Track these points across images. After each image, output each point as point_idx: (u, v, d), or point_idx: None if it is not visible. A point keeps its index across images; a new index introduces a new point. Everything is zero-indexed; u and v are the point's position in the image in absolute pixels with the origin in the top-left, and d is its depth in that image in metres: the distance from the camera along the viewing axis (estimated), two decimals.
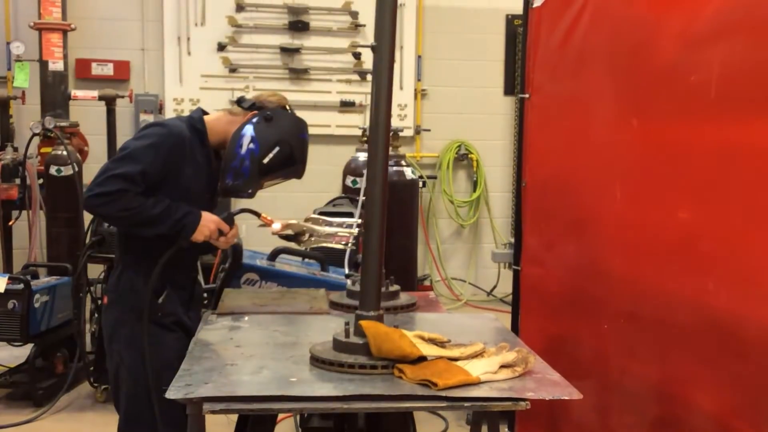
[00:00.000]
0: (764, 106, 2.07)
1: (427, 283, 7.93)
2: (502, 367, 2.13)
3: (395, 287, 3.05)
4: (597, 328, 3.01)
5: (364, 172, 2.59)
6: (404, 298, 3.06)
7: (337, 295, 3.08)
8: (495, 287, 8.13)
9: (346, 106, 7.83)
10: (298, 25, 7.76)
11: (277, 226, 3.00)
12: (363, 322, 2.20)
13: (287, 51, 7.78)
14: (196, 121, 2.85)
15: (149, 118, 7.19)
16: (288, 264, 3.79)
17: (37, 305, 4.77)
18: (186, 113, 3.19)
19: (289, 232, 3.09)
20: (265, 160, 2.80)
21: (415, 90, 8.05)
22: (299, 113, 2.95)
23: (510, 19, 8.04)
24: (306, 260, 3.90)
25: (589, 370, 3.01)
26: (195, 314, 2.97)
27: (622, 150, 2.84)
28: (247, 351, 2.36)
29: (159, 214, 2.67)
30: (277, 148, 2.81)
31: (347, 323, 2.24)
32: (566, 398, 2.02)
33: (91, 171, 3.60)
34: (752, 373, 2.13)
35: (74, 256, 5.24)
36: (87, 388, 5.00)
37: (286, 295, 3.18)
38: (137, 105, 7.42)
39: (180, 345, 2.67)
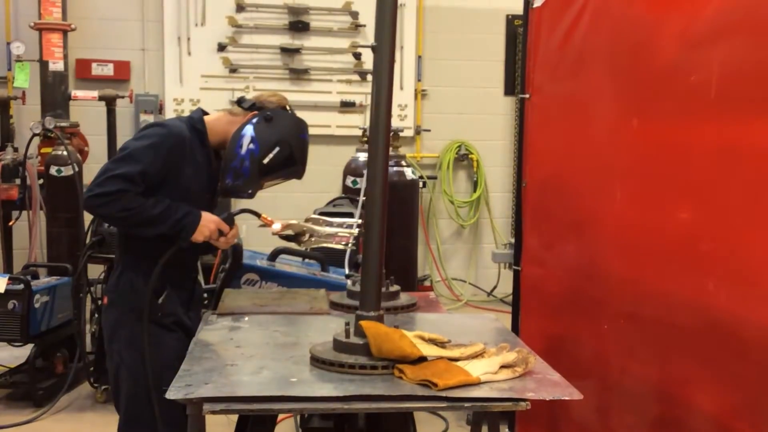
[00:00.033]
0: (764, 106, 2.07)
1: (427, 283, 7.93)
2: (503, 367, 2.13)
3: (395, 287, 3.05)
4: (597, 328, 3.01)
5: (365, 172, 2.59)
6: (404, 298, 3.06)
7: (337, 296, 3.08)
8: (495, 287, 8.13)
9: (347, 106, 7.83)
10: (299, 26, 7.76)
11: (277, 226, 3.00)
12: (363, 323, 2.20)
13: (287, 51, 7.78)
14: (196, 121, 2.85)
15: (149, 119, 7.19)
16: (288, 264, 3.79)
17: (37, 305, 4.77)
18: (186, 113, 3.20)
19: (290, 232, 3.09)
20: (265, 161, 2.80)
21: (416, 90, 8.05)
22: (299, 113, 2.95)
23: (510, 20, 8.04)
24: (306, 260, 3.90)
25: (590, 371, 3.01)
26: (195, 314, 2.97)
27: (623, 150, 2.84)
28: (248, 351, 2.36)
29: (159, 214, 2.67)
30: (277, 149, 2.81)
31: (347, 323, 2.24)
32: (566, 398, 2.02)
33: (91, 171, 3.60)
34: (752, 374, 2.13)
35: (74, 257, 5.25)
36: (87, 389, 5.00)
37: (287, 295, 3.18)
38: (137, 105, 7.42)
39: (180, 345, 2.67)
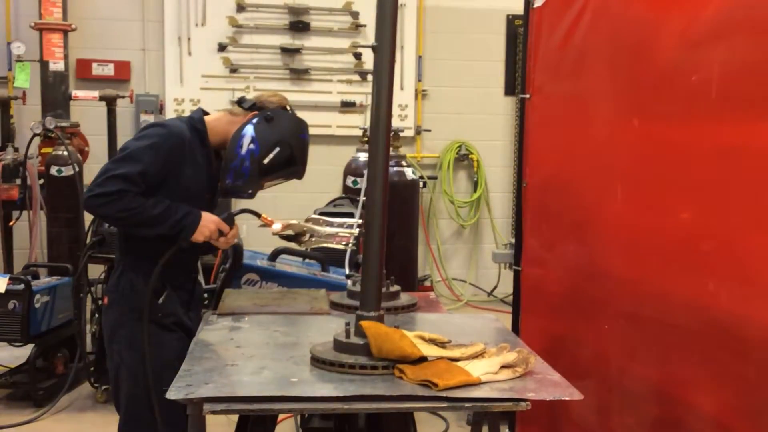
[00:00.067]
0: (765, 106, 2.06)
1: (427, 283, 7.93)
2: (503, 367, 2.13)
3: (396, 287, 3.05)
4: (597, 328, 3.01)
5: (365, 172, 2.59)
6: (405, 298, 3.06)
7: (337, 296, 3.08)
8: (495, 288, 8.13)
9: (347, 106, 7.83)
10: (299, 26, 7.76)
11: (277, 226, 3.00)
12: (363, 323, 2.20)
13: (288, 51, 7.78)
14: (196, 121, 2.85)
15: (150, 119, 7.19)
16: (288, 264, 3.79)
17: (37, 305, 4.77)
18: (186, 113, 3.20)
19: (290, 232, 3.09)
20: (266, 161, 2.80)
21: (416, 90, 8.05)
22: (300, 113, 2.95)
23: (511, 20, 8.04)
24: (306, 261, 3.91)
25: (590, 371, 3.01)
26: (195, 314, 2.97)
27: (623, 150, 2.84)
28: (248, 351, 2.36)
29: (159, 214, 2.67)
30: (277, 149, 2.81)
31: (348, 324, 2.25)
32: (567, 399, 2.02)
33: (91, 171, 3.60)
34: (752, 374, 2.13)
35: (75, 257, 5.25)
36: (87, 389, 5.00)
37: (287, 295, 3.18)
38: (138, 105, 7.42)
39: (180, 345, 2.67)
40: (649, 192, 2.65)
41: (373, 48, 2.23)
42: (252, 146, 2.78)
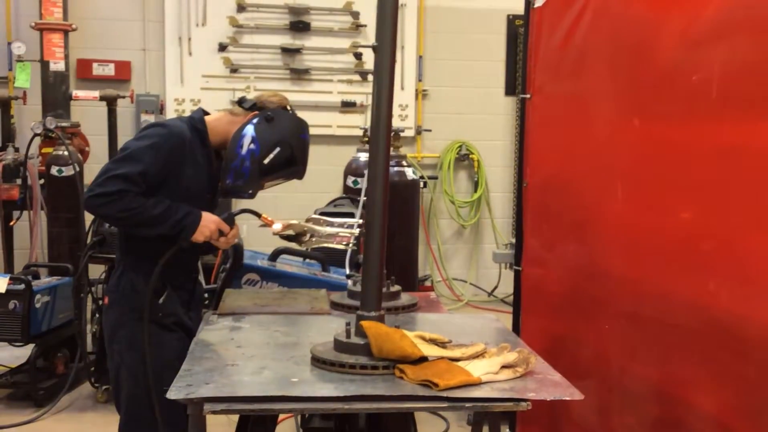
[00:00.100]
0: (765, 106, 2.06)
1: (428, 283, 7.93)
2: (504, 367, 2.13)
3: (396, 288, 3.05)
4: (598, 328, 3.01)
5: (365, 172, 2.59)
6: (405, 298, 3.06)
7: (338, 296, 3.08)
8: (496, 288, 8.13)
9: (347, 106, 7.83)
10: (299, 26, 7.76)
11: (277, 226, 3.00)
12: (364, 323, 2.20)
13: (288, 51, 7.78)
14: (196, 121, 2.85)
15: (150, 119, 7.19)
16: (289, 264, 3.79)
17: (38, 305, 4.77)
18: (187, 113, 3.20)
19: (290, 232, 3.09)
20: (266, 161, 2.80)
21: (416, 90, 8.05)
22: (300, 113, 2.95)
23: (511, 20, 8.04)
24: (307, 261, 3.91)
25: (590, 371, 3.01)
26: (196, 314, 2.97)
27: (624, 150, 2.84)
28: (248, 351, 2.36)
29: (159, 214, 2.67)
30: (277, 149, 2.81)
31: (348, 324, 2.25)
32: (567, 399, 2.02)
33: (92, 171, 3.60)
34: (753, 374, 2.13)
35: (75, 257, 5.25)
36: (88, 389, 5.00)
37: (287, 295, 3.18)
38: (138, 105, 7.42)
39: (181, 345, 2.67)
40: (650, 192, 2.65)
41: (374, 48, 2.24)
42: (252, 146, 2.79)
